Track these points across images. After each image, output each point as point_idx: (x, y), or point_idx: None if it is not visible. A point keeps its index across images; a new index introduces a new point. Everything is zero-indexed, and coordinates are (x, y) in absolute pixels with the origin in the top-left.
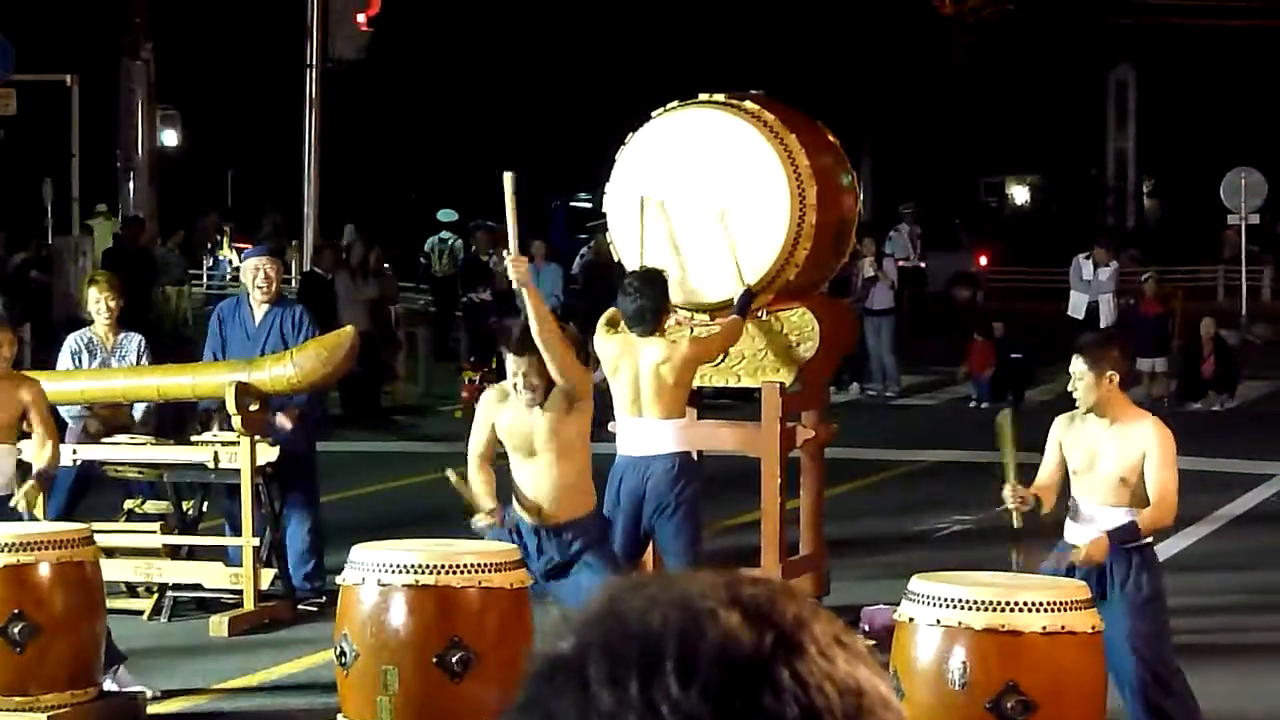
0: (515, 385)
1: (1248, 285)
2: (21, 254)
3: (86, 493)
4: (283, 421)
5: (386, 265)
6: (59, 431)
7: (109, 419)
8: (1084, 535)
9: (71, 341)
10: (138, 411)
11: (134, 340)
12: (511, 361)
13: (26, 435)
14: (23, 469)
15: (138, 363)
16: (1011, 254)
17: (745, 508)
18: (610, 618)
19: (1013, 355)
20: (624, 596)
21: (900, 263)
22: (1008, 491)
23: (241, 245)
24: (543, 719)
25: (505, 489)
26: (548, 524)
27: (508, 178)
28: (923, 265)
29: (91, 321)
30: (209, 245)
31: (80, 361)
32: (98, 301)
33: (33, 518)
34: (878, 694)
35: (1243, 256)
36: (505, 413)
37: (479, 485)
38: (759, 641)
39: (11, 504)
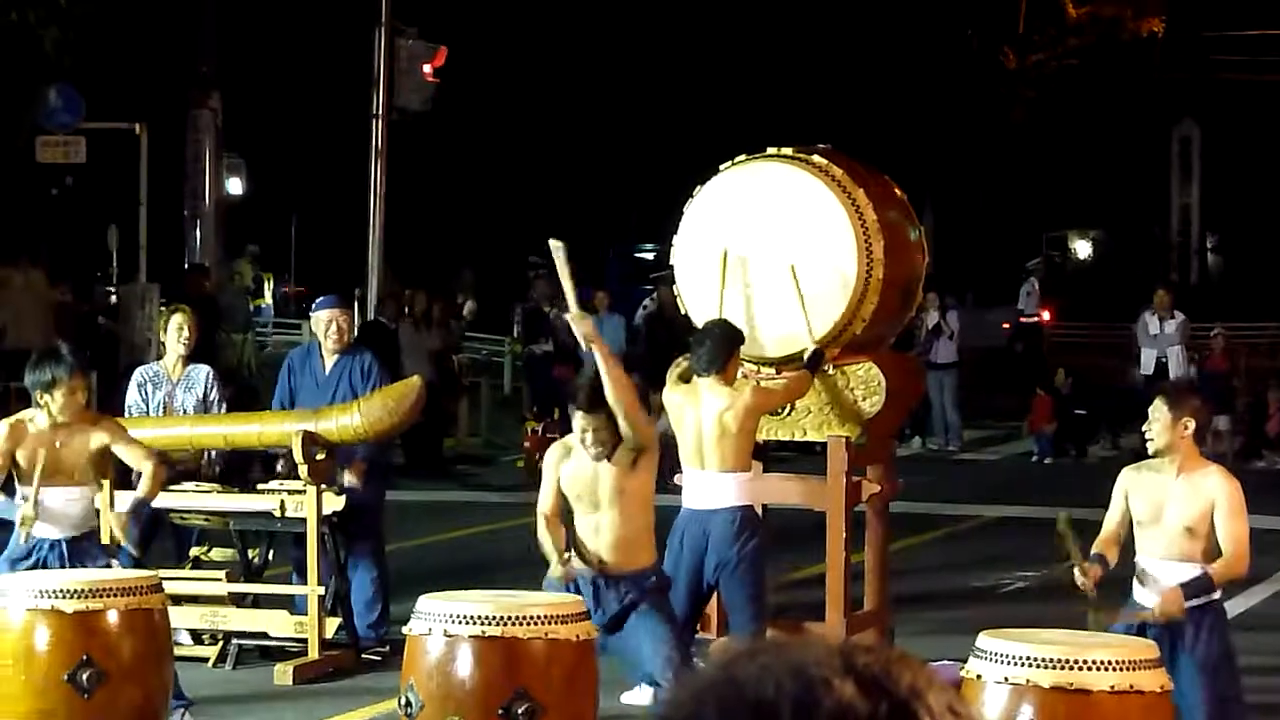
0: (584, 440)
1: None
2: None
3: (154, 538)
4: (351, 480)
5: (466, 311)
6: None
7: (176, 462)
8: (1152, 595)
9: (138, 374)
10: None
11: (202, 371)
12: (580, 419)
13: (124, 483)
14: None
15: (206, 393)
16: (1074, 309)
17: (809, 562)
18: (725, 684)
19: (1076, 410)
20: (738, 663)
21: (1026, 319)
22: (1080, 578)
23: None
24: None
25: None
26: (607, 575)
27: (556, 247)
28: (1045, 318)
29: (160, 356)
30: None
31: (146, 392)
32: (180, 329)
33: (125, 550)
34: None
35: None
36: (569, 466)
37: (548, 541)
38: (874, 711)
39: (105, 539)
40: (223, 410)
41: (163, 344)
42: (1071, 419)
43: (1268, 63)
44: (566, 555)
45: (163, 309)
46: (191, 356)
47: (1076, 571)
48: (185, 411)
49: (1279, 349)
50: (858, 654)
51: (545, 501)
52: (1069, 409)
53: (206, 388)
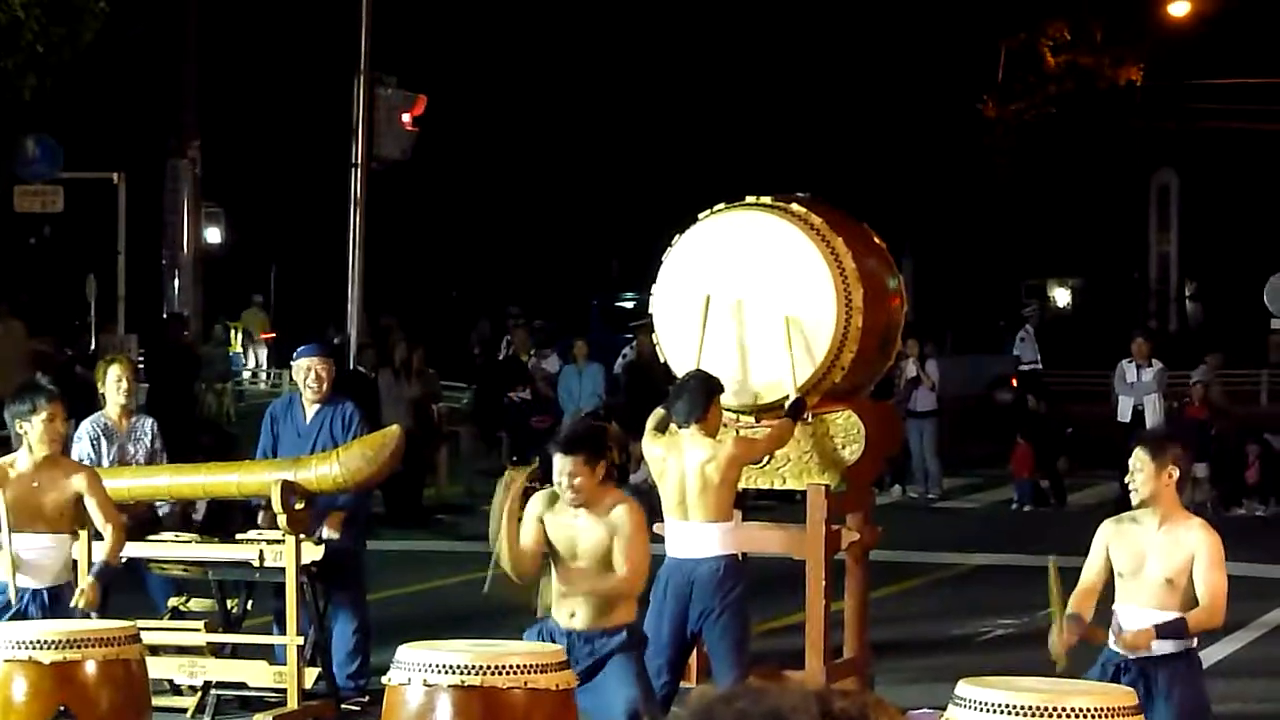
0: (561, 483)
1: None
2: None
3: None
4: (330, 533)
5: (430, 370)
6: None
7: (135, 512)
8: (1132, 635)
9: (88, 427)
10: (162, 509)
11: (147, 423)
12: (559, 461)
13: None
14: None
15: (152, 444)
16: (1053, 357)
17: (789, 609)
18: None
19: (1065, 430)
20: (716, 708)
21: (1027, 365)
22: (1054, 640)
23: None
24: None
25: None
26: (583, 630)
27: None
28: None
29: (102, 406)
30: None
31: (100, 447)
32: (119, 380)
33: (88, 615)
34: None
35: None
36: (554, 516)
37: (517, 571)
38: None
39: (72, 604)
40: (164, 460)
41: (102, 395)
42: (1055, 439)
43: (1245, 111)
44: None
45: (109, 357)
46: (166, 406)
47: (1052, 633)
48: (137, 464)
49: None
50: (834, 699)
51: (525, 537)
52: (1051, 429)
53: (152, 439)
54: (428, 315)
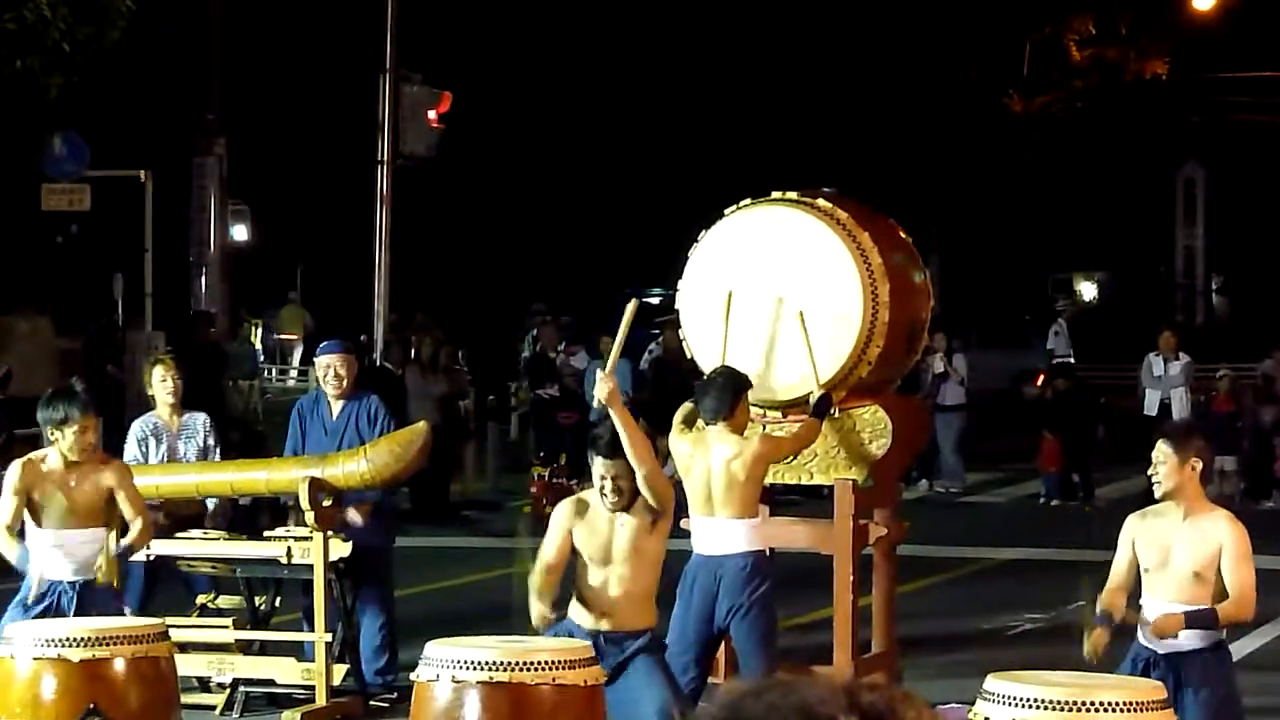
0: (603, 488)
1: None
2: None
3: (157, 587)
4: (354, 517)
5: (459, 364)
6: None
7: (180, 511)
8: (1158, 627)
9: (137, 428)
10: (210, 503)
11: (199, 419)
12: (600, 465)
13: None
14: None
15: (204, 441)
16: (1079, 351)
17: (817, 605)
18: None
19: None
20: (745, 702)
21: (1061, 359)
22: (1088, 649)
23: (286, 336)
24: None
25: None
26: (610, 631)
27: (631, 305)
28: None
29: (153, 407)
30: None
31: (147, 447)
32: (164, 380)
33: (116, 593)
34: None
35: None
36: (585, 521)
37: (538, 588)
38: None
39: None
40: (217, 457)
41: (151, 396)
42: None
43: (1271, 104)
44: (558, 615)
45: (154, 356)
46: (193, 403)
47: (1086, 643)
48: (188, 461)
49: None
50: (862, 692)
51: (550, 551)
52: (1083, 422)
53: (205, 435)
54: (456, 312)
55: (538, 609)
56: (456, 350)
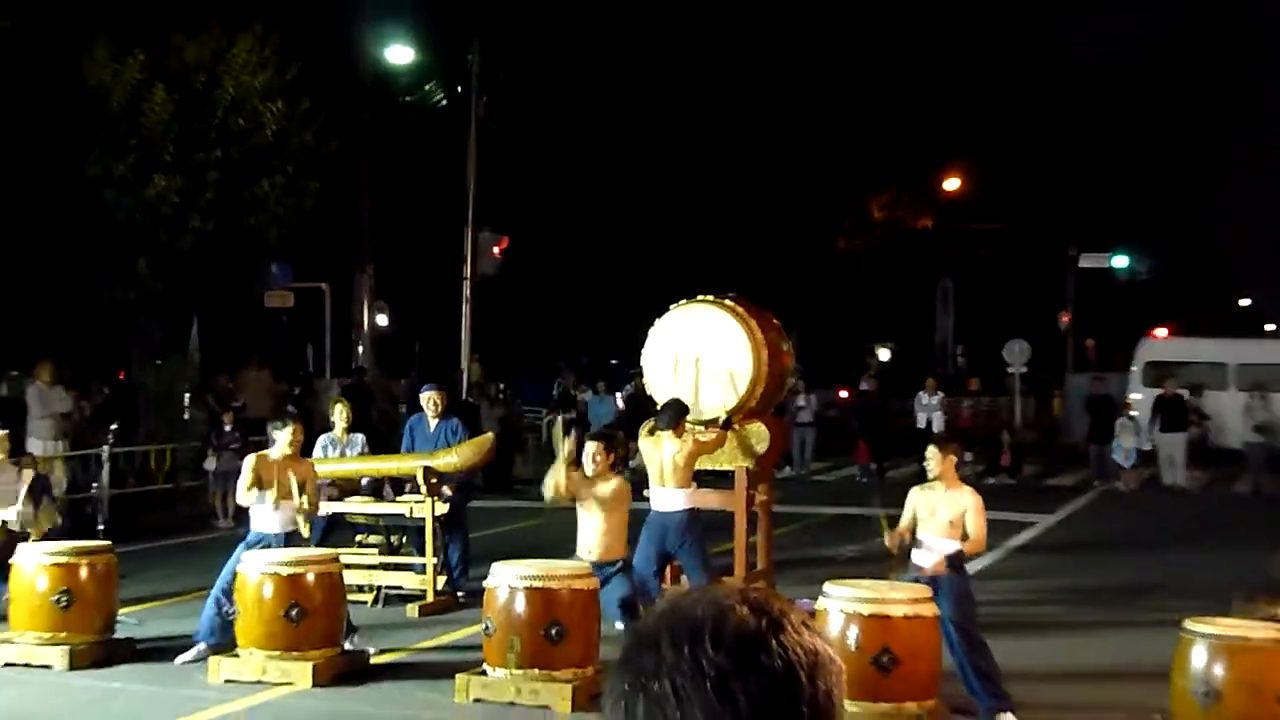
0: (588, 458)
1: (1020, 408)
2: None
3: (333, 532)
4: (447, 491)
5: (513, 398)
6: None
7: (346, 486)
8: (928, 558)
9: (323, 440)
10: (363, 481)
11: (358, 438)
12: (589, 445)
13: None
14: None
15: (359, 450)
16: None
17: (724, 541)
18: (673, 611)
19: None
20: (680, 600)
21: (865, 392)
22: (888, 539)
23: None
24: (635, 669)
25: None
26: (596, 561)
27: (557, 424)
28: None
29: (332, 428)
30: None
31: (326, 453)
32: (340, 413)
33: (304, 536)
34: (826, 653)
35: (1017, 392)
36: (585, 482)
37: (553, 488)
38: (759, 623)
39: (293, 528)
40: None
41: (333, 421)
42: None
43: (992, 243)
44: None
45: (334, 397)
46: (350, 427)
47: (886, 538)
48: None
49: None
50: (750, 592)
51: (560, 482)
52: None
53: (360, 449)
54: (511, 366)
55: (550, 486)
56: (511, 389)
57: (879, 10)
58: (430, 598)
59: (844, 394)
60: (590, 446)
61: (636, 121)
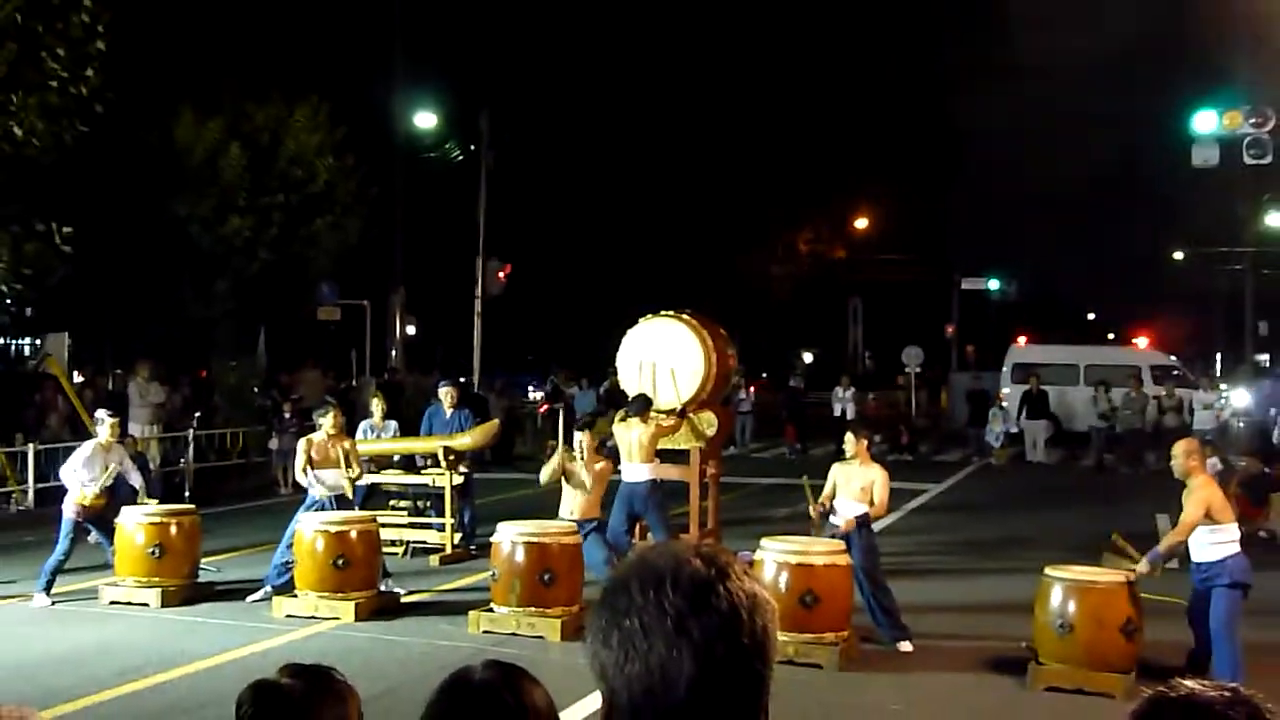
0: (577, 444)
1: (915, 400)
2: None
3: (371, 498)
4: (463, 467)
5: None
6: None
7: (380, 462)
8: (843, 519)
9: (363, 426)
10: (395, 457)
11: (392, 424)
12: (577, 435)
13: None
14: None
15: (394, 435)
16: (808, 384)
17: (682, 504)
18: (641, 562)
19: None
20: (646, 553)
21: (794, 389)
22: (812, 510)
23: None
24: (611, 608)
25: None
26: (577, 519)
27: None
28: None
29: (371, 416)
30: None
31: (367, 434)
32: (377, 404)
33: (350, 501)
34: (762, 596)
35: (913, 387)
36: (572, 464)
37: (549, 474)
38: (709, 572)
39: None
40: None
41: (371, 410)
42: (807, 424)
43: (893, 270)
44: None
45: (372, 391)
46: (386, 415)
47: (810, 509)
48: None
49: (899, 402)
50: (702, 546)
51: (552, 466)
52: (806, 419)
53: (394, 433)
54: (515, 366)
55: (547, 472)
56: (512, 384)
57: (802, 76)
58: (448, 550)
59: (753, 388)
60: (579, 436)
61: (614, 175)
